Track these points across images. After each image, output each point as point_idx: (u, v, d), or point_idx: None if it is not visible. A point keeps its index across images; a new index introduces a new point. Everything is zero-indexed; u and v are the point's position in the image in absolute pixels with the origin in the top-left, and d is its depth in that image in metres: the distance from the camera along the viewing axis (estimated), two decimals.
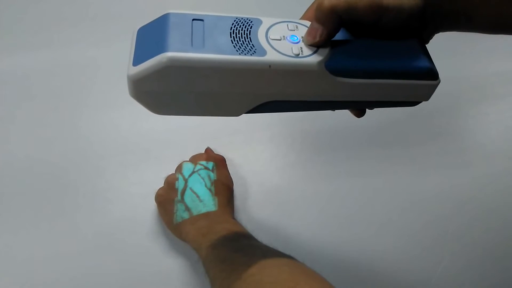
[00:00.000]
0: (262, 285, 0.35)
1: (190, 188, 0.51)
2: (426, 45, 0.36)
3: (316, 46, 0.32)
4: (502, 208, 0.59)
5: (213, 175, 0.53)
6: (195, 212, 0.50)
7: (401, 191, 0.60)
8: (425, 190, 0.60)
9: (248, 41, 0.31)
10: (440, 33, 0.37)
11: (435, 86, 0.35)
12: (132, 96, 0.32)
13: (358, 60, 0.33)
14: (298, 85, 0.33)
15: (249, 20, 0.33)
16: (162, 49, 0.29)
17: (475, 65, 0.73)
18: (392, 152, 0.64)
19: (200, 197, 0.51)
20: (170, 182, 0.53)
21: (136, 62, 0.30)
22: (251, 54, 0.30)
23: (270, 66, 0.31)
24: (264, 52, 0.31)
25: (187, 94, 0.32)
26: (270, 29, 0.33)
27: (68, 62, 0.70)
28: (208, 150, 0.59)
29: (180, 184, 0.52)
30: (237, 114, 0.34)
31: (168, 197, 0.52)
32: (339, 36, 0.33)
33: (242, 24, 0.32)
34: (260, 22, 0.33)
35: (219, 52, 0.30)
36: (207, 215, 0.49)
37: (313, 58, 0.32)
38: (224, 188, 0.53)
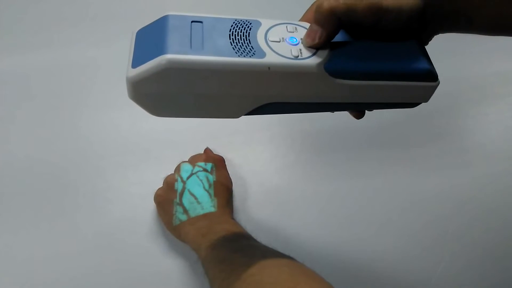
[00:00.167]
0: (261, 285, 0.35)
1: (188, 191, 0.51)
2: (425, 47, 0.36)
3: (315, 48, 0.32)
4: (502, 208, 0.59)
5: (211, 177, 0.53)
6: (193, 214, 0.50)
7: (401, 191, 0.60)
8: (425, 190, 0.60)
9: (247, 43, 0.31)
10: (439, 34, 0.37)
11: (435, 88, 0.35)
12: (131, 99, 0.32)
13: (357, 62, 0.33)
14: (298, 87, 0.33)
15: (248, 22, 0.33)
16: (161, 51, 0.29)
17: (475, 66, 0.73)
18: (391, 153, 0.64)
19: (198, 199, 0.51)
20: (169, 183, 0.53)
21: (135, 64, 0.30)
22: (250, 56, 0.30)
23: (269, 68, 0.31)
24: (263, 54, 0.31)
25: (187, 96, 0.32)
26: (269, 31, 0.33)
27: (68, 62, 0.70)
28: (207, 151, 0.59)
29: (178, 186, 0.52)
30: (236, 116, 0.34)
31: (167, 198, 0.52)
32: (338, 37, 0.33)
33: (241, 26, 0.32)
34: (259, 24, 0.33)
35: (218, 54, 0.30)
36: (206, 215, 0.49)
37: (312, 60, 0.32)
38: (223, 188, 0.53)
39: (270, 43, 0.32)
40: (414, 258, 0.55)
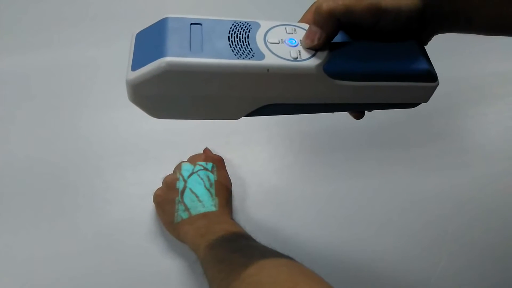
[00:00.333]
0: (261, 285, 0.35)
1: (190, 189, 0.51)
2: (424, 47, 0.36)
3: (314, 49, 0.32)
4: (502, 208, 0.59)
5: (212, 176, 0.54)
6: (194, 212, 0.50)
7: (401, 191, 0.60)
8: (425, 190, 0.60)
9: (246, 45, 0.31)
10: (439, 34, 0.37)
11: (434, 88, 0.35)
12: (131, 101, 0.32)
13: (357, 63, 0.33)
14: (297, 89, 0.33)
15: (247, 23, 0.33)
16: (160, 53, 0.30)
17: (474, 66, 0.73)
18: (391, 153, 0.64)
19: (199, 198, 0.51)
20: (168, 183, 0.53)
21: (134, 67, 0.30)
22: (249, 58, 0.31)
23: (268, 70, 0.31)
24: (262, 56, 0.31)
25: (186, 98, 0.32)
26: (268, 33, 0.33)
27: (68, 62, 0.70)
28: (206, 151, 0.59)
29: (180, 185, 0.52)
30: (236, 117, 0.34)
31: (166, 198, 0.52)
32: (337, 38, 0.33)
33: (240, 28, 0.32)
34: (258, 25, 0.33)
35: (218, 56, 0.30)
36: (205, 215, 0.50)
37: (312, 62, 0.32)
38: (222, 188, 0.53)
39: (269, 45, 0.32)
40: (413, 258, 0.55)
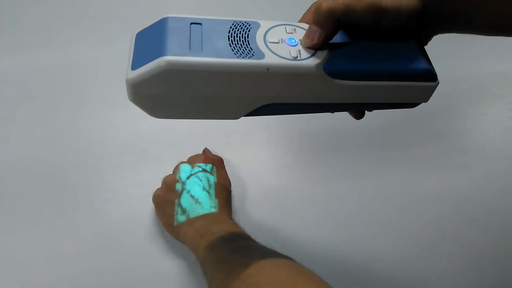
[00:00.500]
0: (260, 285, 0.35)
1: (188, 191, 0.51)
2: (424, 47, 0.36)
3: (314, 49, 0.32)
4: (501, 208, 0.59)
5: (212, 178, 0.53)
6: (192, 215, 0.50)
7: (400, 191, 0.60)
8: (424, 190, 0.60)
9: (246, 44, 0.31)
10: (439, 34, 0.37)
11: (434, 88, 0.36)
12: (131, 100, 0.32)
13: (357, 62, 0.33)
14: (297, 88, 0.33)
15: (247, 23, 0.33)
16: (160, 53, 0.30)
17: (473, 66, 0.73)
18: (391, 153, 0.64)
19: (197, 200, 0.51)
20: (168, 183, 0.53)
21: (134, 66, 0.30)
22: (249, 58, 0.31)
23: (268, 69, 0.31)
24: (262, 55, 0.31)
25: (186, 98, 0.32)
26: (268, 32, 0.33)
27: (68, 62, 0.70)
28: (206, 151, 0.59)
29: (178, 187, 0.52)
30: (235, 117, 0.34)
31: (166, 198, 0.52)
32: (337, 38, 0.33)
33: (240, 28, 0.32)
34: (258, 25, 0.33)
35: (218, 56, 0.30)
36: (205, 216, 0.49)
37: (311, 61, 0.32)
38: (222, 189, 0.53)
39: (269, 44, 0.32)
40: (413, 258, 0.55)
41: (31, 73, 0.69)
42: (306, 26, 0.34)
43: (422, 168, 0.62)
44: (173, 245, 0.54)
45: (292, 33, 0.33)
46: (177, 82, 0.30)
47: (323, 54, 0.32)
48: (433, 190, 0.60)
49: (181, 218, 0.50)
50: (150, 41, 0.31)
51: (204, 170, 0.54)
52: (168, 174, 0.55)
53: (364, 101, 0.36)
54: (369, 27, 0.33)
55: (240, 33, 0.32)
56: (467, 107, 0.70)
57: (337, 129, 0.64)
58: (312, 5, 0.35)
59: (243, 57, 0.30)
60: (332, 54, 0.33)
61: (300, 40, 0.33)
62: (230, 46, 0.31)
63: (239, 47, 0.31)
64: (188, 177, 0.53)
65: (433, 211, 0.59)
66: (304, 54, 0.32)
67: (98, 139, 0.62)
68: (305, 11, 0.36)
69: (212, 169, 0.55)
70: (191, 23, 0.32)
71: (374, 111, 0.40)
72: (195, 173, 0.53)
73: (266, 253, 0.41)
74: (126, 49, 0.32)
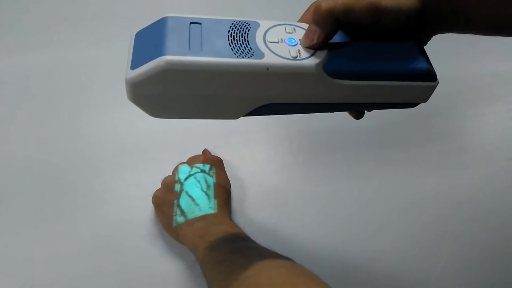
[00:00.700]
0: (259, 286, 0.35)
1: (186, 192, 0.51)
2: (424, 47, 0.36)
3: (313, 49, 0.32)
4: (501, 208, 0.59)
5: (211, 179, 0.53)
6: (190, 216, 0.50)
7: (400, 191, 0.60)
8: (424, 190, 0.60)
9: (246, 44, 0.31)
10: (438, 34, 0.37)
11: (434, 88, 0.35)
12: (130, 100, 0.32)
13: (356, 62, 0.33)
14: (296, 88, 0.33)
15: (247, 23, 0.33)
16: (160, 52, 0.30)
17: (472, 66, 0.73)
18: (390, 153, 0.64)
19: (195, 201, 0.50)
20: (167, 184, 0.53)
21: (134, 66, 0.30)
22: (249, 57, 0.31)
23: (268, 68, 0.31)
24: (262, 55, 0.31)
25: (185, 98, 0.32)
26: (268, 32, 0.33)
27: (68, 62, 0.70)
28: (205, 152, 0.59)
29: (176, 188, 0.52)
30: (235, 117, 0.34)
31: (165, 199, 0.52)
32: (336, 38, 0.33)
33: (239, 27, 0.32)
34: (257, 25, 0.33)
35: (217, 55, 0.30)
36: (204, 217, 0.49)
37: (311, 61, 0.32)
38: (221, 190, 0.53)
39: (268, 44, 0.32)
40: (413, 258, 0.55)
41: (31, 73, 0.69)
42: (306, 25, 0.34)
43: (422, 168, 0.62)
44: (172, 246, 0.54)
45: (291, 32, 0.33)
46: (177, 82, 0.30)
47: (322, 54, 0.32)
48: (433, 190, 0.60)
49: (180, 219, 0.50)
50: (149, 40, 0.31)
51: (202, 171, 0.54)
52: (168, 175, 0.55)
53: (363, 101, 0.36)
54: (369, 27, 0.33)
55: (239, 33, 0.32)
56: (466, 107, 0.70)
57: (337, 129, 0.64)
58: (311, 4, 0.35)
59: (243, 57, 0.30)
60: (332, 54, 0.33)
61: (299, 39, 0.33)
62: (230, 45, 0.31)
63: (238, 46, 0.31)
64: (186, 178, 0.53)
65: (433, 211, 0.59)
66: (304, 54, 0.32)
67: (97, 139, 0.62)
68: (304, 11, 0.37)
69: (210, 169, 0.54)
70: (190, 23, 0.32)
71: (373, 111, 0.40)
72: (194, 174, 0.53)
73: (266, 254, 0.41)
74: (126, 49, 0.32)
